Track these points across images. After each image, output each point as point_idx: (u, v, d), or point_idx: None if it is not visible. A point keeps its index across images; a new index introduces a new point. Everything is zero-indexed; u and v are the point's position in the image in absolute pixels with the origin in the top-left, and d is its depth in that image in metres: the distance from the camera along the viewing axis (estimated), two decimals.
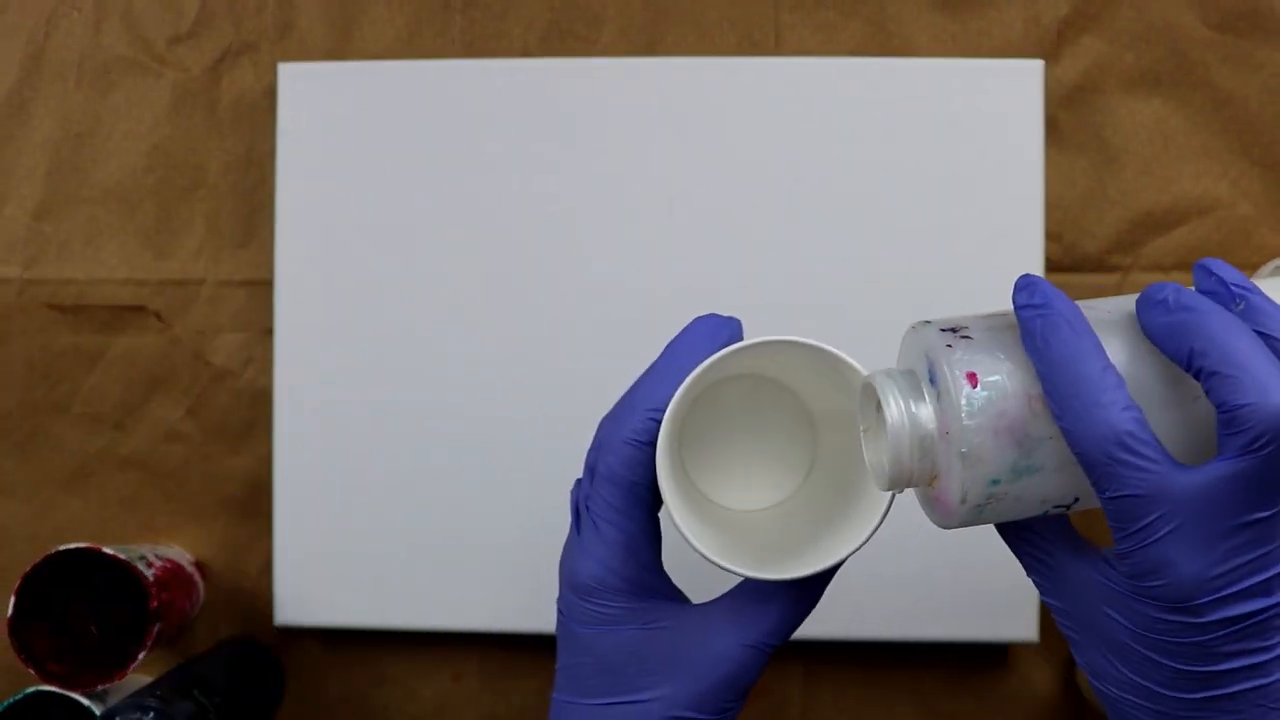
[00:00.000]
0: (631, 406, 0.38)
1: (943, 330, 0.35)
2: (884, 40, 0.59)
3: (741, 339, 0.39)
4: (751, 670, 0.38)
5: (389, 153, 0.58)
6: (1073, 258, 0.59)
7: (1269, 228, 0.59)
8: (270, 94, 0.60)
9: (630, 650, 0.37)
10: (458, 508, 0.58)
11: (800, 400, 0.44)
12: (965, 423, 0.33)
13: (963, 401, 0.33)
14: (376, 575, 0.58)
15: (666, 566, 0.41)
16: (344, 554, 0.58)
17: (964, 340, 0.34)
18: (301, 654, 0.61)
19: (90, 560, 0.54)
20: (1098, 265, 0.59)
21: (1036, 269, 0.56)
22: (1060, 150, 0.59)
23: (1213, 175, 0.59)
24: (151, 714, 0.50)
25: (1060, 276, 0.59)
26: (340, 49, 0.61)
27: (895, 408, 0.34)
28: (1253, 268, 0.58)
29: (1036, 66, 0.57)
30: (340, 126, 0.58)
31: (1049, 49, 0.59)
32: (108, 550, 0.53)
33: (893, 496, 0.36)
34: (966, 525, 0.35)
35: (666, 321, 0.57)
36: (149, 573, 0.54)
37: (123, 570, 0.54)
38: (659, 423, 0.37)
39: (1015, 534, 0.37)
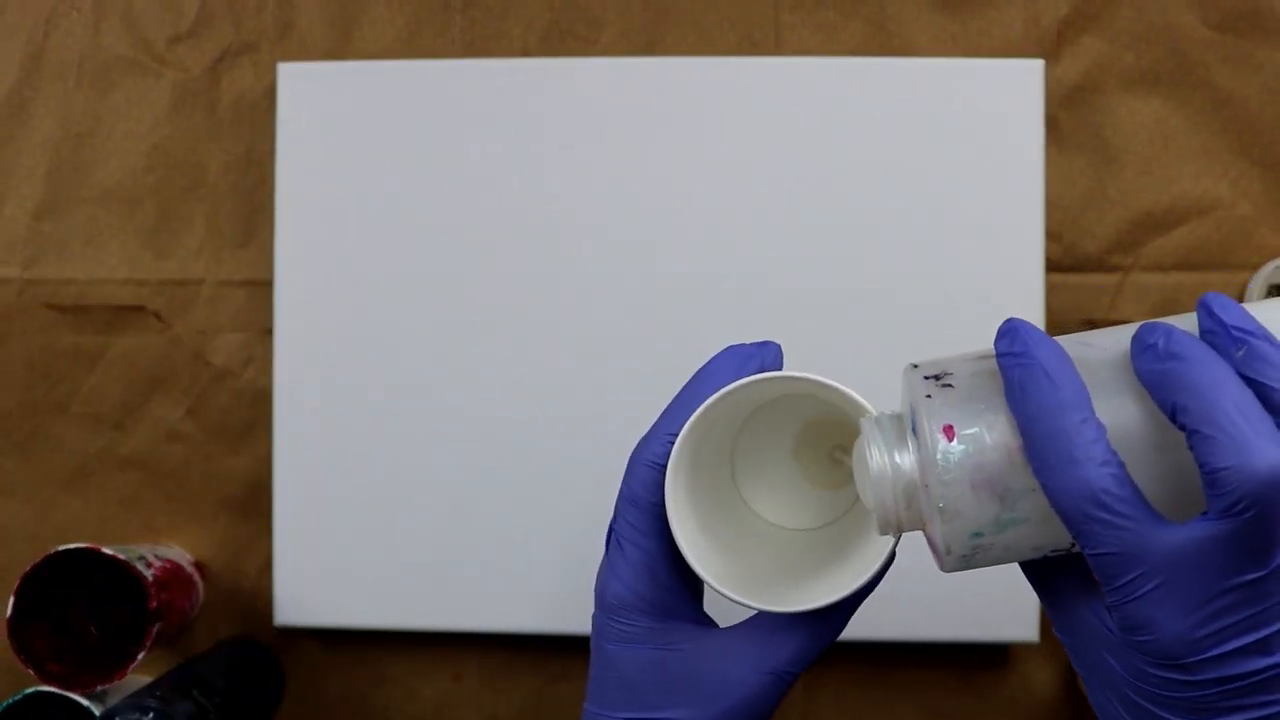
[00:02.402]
0: (655, 431, 0.38)
1: (925, 378, 0.34)
2: (884, 40, 0.59)
3: (778, 365, 0.39)
4: (770, 697, 0.38)
5: (389, 153, 0.58)
6: (1073, 258, 0.59)
7: (1269, 228, 0.59)
8: (270, 94, 0.60)
9: (651, 670, 0.38)
10: (458, 508, 0.58)
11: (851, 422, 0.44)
12: (942, 477, 0.32)
13: (938, 456, 0.32)
14: (376, 575, 0.58)
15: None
16: (344, 554, 0.58)
17: (945, 389, 0.33)
18: (301, 654, 0.61)
19: (90, 560, 0.54)
20: (1098, 265, 0.59)
21: (1036, 269, 0.56)
22: (1060, 150, 0.59)
23: (1213, 175, 0.59)
24: (151, 714, 0.50)
25: (1060, 276, 0.59)
26: (340, 49, 0.61)
27: (878, 457, 0.34)
28: (1253, 268, 0.58)
29: (1036, 66, 0.57)
30: (340, 126, 0.58)
31: (1049, 49, 0.59)
32: (107, 550, 0.53)
33: (896, 539, 0.36)
34: (963, 570, 0.35)
35: (666, 321, 0.57)
36: (149, 573, 0.54)
37: (122, 570, 0.54)
38: None
39: (1029, 567, 0.37)
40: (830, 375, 0.38)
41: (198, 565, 0.61)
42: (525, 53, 0.60)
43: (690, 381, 0.39)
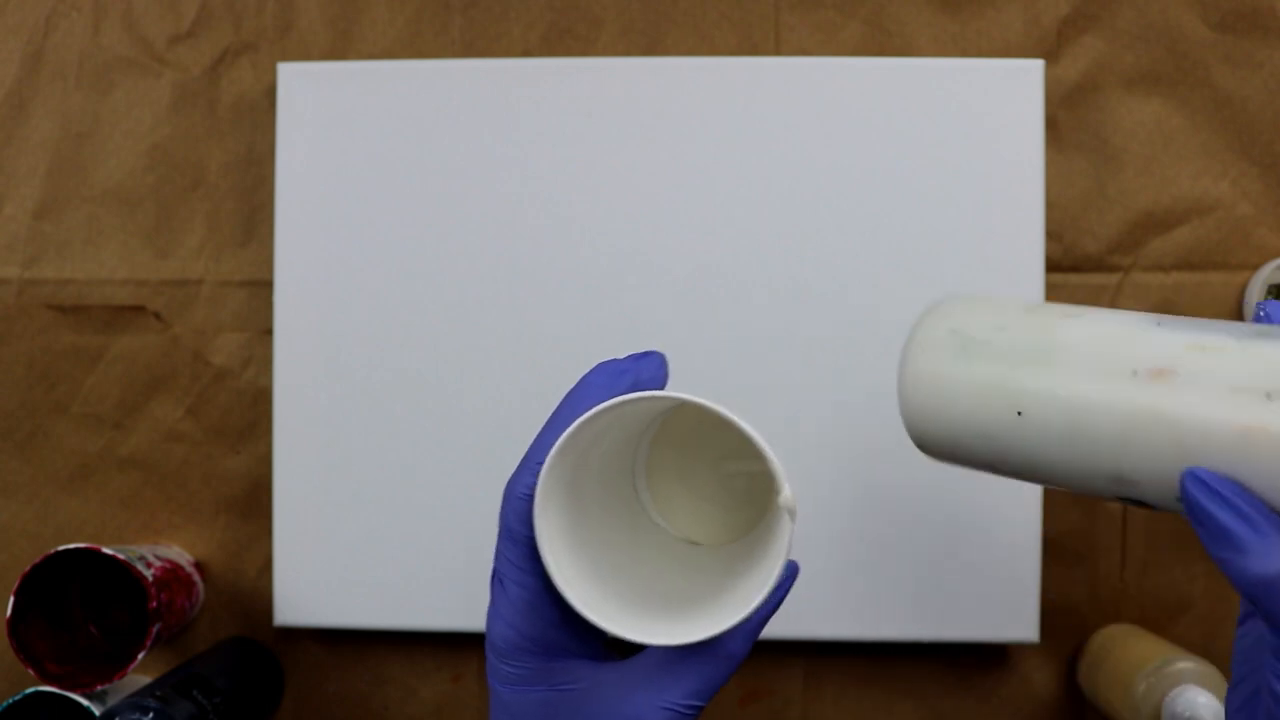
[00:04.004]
0: (525, 461, 0.36)
1: None
2: (884, 40, 0.59)
3: (658, 376, 0.37)
4: None
5: (388, 153, 0.58)
6: (1073, 258, 0.59)
7: (1269, 228, 0.59)
8: (270, 94, 0.60)
9: (542, 711, 0.36)
10: (457, 508, 0.58)
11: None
12: None
13: None
14: (376, 575, 0.58)
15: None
16: (344, 554, 0.58)
17: None
18: (301, 654, 0.61)
19: (90, 560, 0.54)
20: (1098, 265, 0.59)
21: (1036, 269, 0.56)
22: (1060, 150, 0.59)
23: (1213, 175, 0.59)
24: (151, 714, 0.50)
25: (1060, 276, 0.59)
26: (340, 49, 0.61)
27: None
28: (1253, 268, 0.58)
29: (1036, 66, 0.57)
30: (340, 126, 0.58)
31: (1049, 49, 0.59)
32: (107, 550, 0.53)
33: (782, 569, 0.34)
34: None
35: (666, 321, 0.57)
36: (149, 573, 0.54)
37: (122, 570, 0.54)
38: None
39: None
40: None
41: (198, 565, 0.61)
42: (525, 53, 0.60)
43: (561, 404, 0.37)
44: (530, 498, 0.35)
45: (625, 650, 0.37)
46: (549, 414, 0.37)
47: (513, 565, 0.36)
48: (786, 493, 0.34)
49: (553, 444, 0.34)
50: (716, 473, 0.43)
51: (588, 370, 0.37)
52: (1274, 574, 0.30)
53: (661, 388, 0.38)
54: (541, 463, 0.34)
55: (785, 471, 0.34)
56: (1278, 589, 0.31)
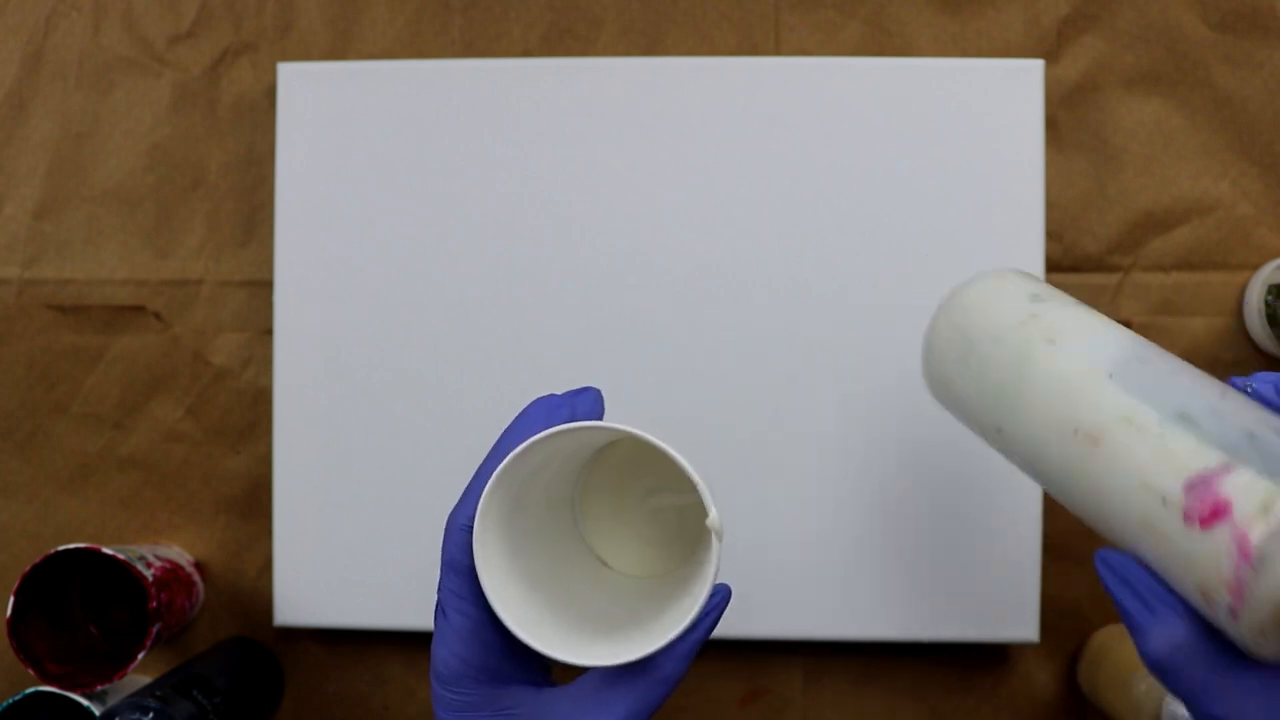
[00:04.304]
0: (467, 492, 0.38)
1: None
2: (884, 40, 0.59)
3: (594, 412, 0.39)
4: None
5: (388, 153, 0.58)
6: (1073, 258, 0.59)
7: (1269, 228, 0.59)
8: (270, 94, 0.60)
9: None
10: None
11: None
12: None
13: None
14: (376, 575, 0.58)
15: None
16: (344, 554, 0.58)
17: None
18: (301, 654, 0.61)
19: (90, 560, 0.54)
20: (1098, 265, 0.59)
21: (1037, 269, 0.56)
22: (1060, 150, 0.59)
23: (1213, 175, 0.59)
24: (151, 714, 0.50)
25: (1060, 276, 0.59)
26: (340, 49, 0.61)
27: None
28: (1253, 268, 0.58)
29: (1036, 66, 0.57)
30: (340, 126, 0.58)
31: (1049, 49, 0.59)
32: (107, 550, 0.53)
33: (709, 593, 0.35)
34: None
35: (667, 321, 0.57)
36: (149, 573, 0.54)
37: (122, 570, 0.54)
38: None
39: None
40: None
41: (198, 565, 0.61)
42: (525, 53, 0.60)
43: (500, 437, 0.39)
44: (470, 528, 0.36)
45: (567, 677, 0.38)
46: None
47: (454, 595, 0.37)
48: (713, 515, 0.35)
49: (491, 475, 0.36)
50: (646, 507, 0.44)
51: (525, 405, 0.39)
52: (1166, 653, 0.33)
53: (598, 420, 0.39)
54: (478, 492, 0.36)
55: (711, 495, 0.35)
56: (1171, 666, 0.33)
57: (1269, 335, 0.56)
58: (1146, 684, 0.51)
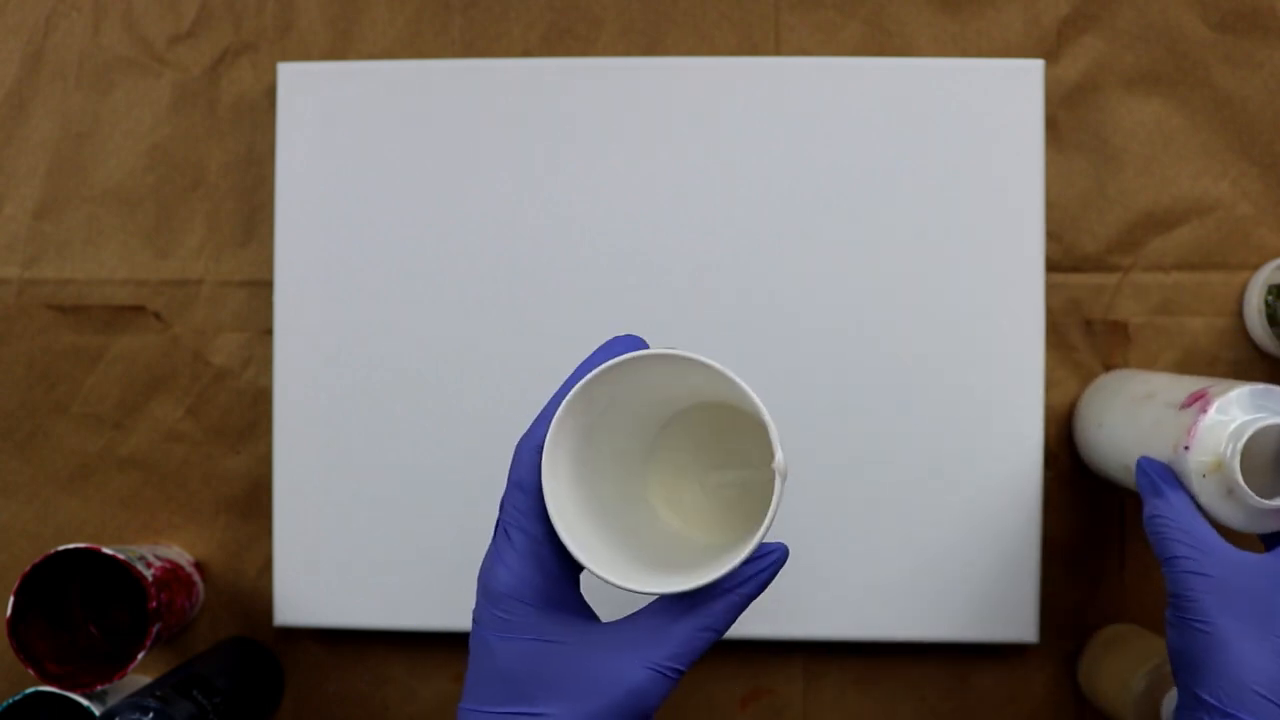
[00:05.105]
0: (539, 418, 0.39)
1: None
2: (884, 40, 0.59)
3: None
4: (650, 694, 0.36)
5: (388, 153, 0.58)
6: (1073, 258, 0.59)
7: (1269, 228, 0.59)
8: (270, 94, 0.60)
9: (530, 661, 0.37)
10: (457, 508, 0.58)
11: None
12: None
13: None
14: (376, 575, 0.58)
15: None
16: (344, 554, 0.58)
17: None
18: (301, 654, 0.61)
19: (90, 560, 0.54)
20: (1098, 265, 0.59)
21: (1037, 269, 0.56)
22: (1060, 150, 0.59)
23: (1213, 175, 0.59)
24: (151, 714, 0.50)
25: (1060, 276, 0.59)
26: (340, 49, 0.61)
27: None
28: (1253, 268, 0.58)
29: (1036, 66, 0.57)
30: (340, 126, 0.58)
31: (1049, 49, 0.59)
32: (107, 550, 0.53)
33: (762, 535, 0.36)
34: None
35: (667, 321, 0.57)
36: (149, 573, 0.54)
37: (122, 570, 0.54)
38: None
39: None
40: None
41: (198, 565, 0.61)
42: (525, 53, 0.60)
43: (577, 368, 0.39)
44: (540, 450, 0.37)
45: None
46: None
47: (518, 512, 0.38)
48: (779, 456, 0.35)
49: (564, 399, 0.37)
50: (709, 481, 0.45)
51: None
52: (1151, 515, 0.46)
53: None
54: (552, 416, 0.37)
55: (780, 438, 0.35)
56: (1153, 525, 0.45)
57: (1269, 335, 0.56)
58: (1146, 684, 0.51)
